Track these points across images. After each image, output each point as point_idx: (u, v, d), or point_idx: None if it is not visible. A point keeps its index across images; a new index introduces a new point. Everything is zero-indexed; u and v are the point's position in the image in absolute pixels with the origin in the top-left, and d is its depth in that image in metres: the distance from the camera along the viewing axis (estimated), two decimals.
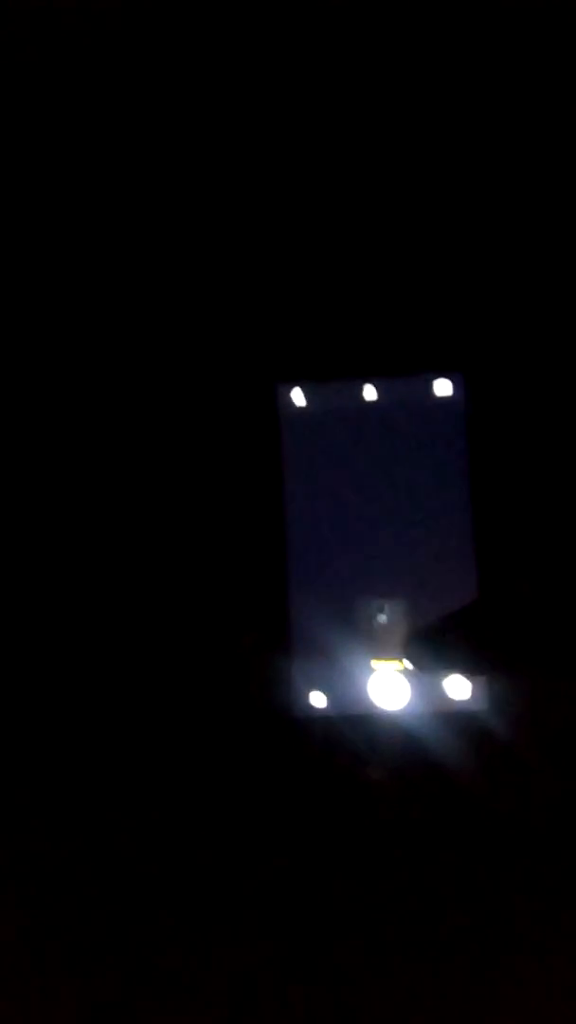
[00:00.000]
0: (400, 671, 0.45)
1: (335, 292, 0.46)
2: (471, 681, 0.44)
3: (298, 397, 0.47)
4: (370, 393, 0.47)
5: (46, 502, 0.47)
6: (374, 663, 0.45)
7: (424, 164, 0.43)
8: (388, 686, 0.45)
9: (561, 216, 0.45)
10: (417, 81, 0.41)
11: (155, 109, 0.43)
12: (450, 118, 0.43)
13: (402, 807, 0.43)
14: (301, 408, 0.47)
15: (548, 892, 0.39)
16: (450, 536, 0.46)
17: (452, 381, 0.47)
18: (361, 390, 0.47)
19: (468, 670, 0.43)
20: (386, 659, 0.45)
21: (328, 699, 0.45)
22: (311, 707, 0.45)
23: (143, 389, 0.47)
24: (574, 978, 0.37)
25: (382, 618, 0.46)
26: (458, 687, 0.44)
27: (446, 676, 0.44)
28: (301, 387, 0.47)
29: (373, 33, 0.39)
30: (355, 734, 0.45)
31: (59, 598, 0.46)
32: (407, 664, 0.45)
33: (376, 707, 0.45)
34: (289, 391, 0.47)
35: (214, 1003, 0.39)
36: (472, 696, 0.44)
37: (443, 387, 0.47)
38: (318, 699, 0.45)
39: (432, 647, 0.44)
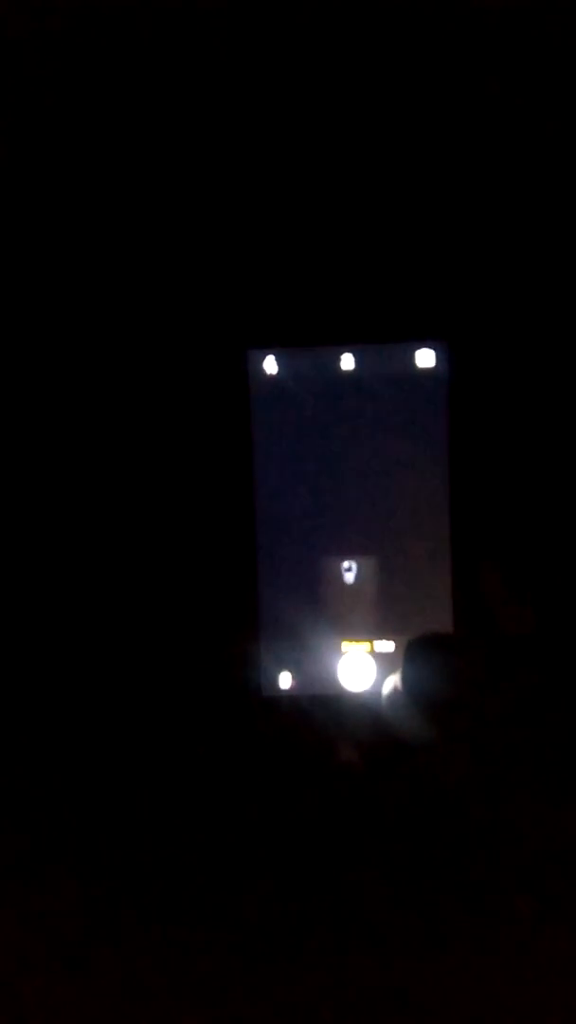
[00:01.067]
0: (368, 652, 0.45)
1: (311, 256, 0.42)
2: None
3: (270, 364, 0.44)
4: (347, 362, 0.44)
5: (13, 465, 0.44)
6: (344, 644, 0.45)
7: (406, 132, 0.39)
8: (356, 667, 0.45)
9: (546, 188, 0.40)
10: (395, 57, 0.36)
11: (127, 80, 0.37)
12: (430, 91, 0.38)
13: (370, 787, 0.43)
14: (273, 375, 0.44)
15: (517, 869, 0.40)
16: (426, 508, 0.44)
17: (435, 350, 0.43)
18: (337, 358, 0.44)
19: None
20: (355, 640, 0.45)
21: (296, 679, 0.45)
22: (279, 688, 0.45)
23: (110, 354, 0.43)
24: (550, 952, 0.39)
25: (349, 576, 0.45)
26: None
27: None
28: (274, 354, 0.44)
29: (354, 20, 0.34)
30: (323, 714, 0.44)
31: (22, 563, 0.44)
32: (376, 646, 0.45)
33: (344, 688, 0.45)
34: (261, 358, 0.44)
35: (173, 979, 0.40)
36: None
37: (425, 356, 0.44)
38: (286, 680, 0.45)
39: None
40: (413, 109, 0.38)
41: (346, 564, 0.45)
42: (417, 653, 0.42)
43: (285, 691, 0.45)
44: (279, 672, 0.45)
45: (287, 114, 0.39)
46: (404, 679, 0.43)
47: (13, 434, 0.44)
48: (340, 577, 0.45)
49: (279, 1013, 0.38)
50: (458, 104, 0.38)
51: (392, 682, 0.44)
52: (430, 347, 0.43)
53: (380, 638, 0.45)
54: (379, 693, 0.44)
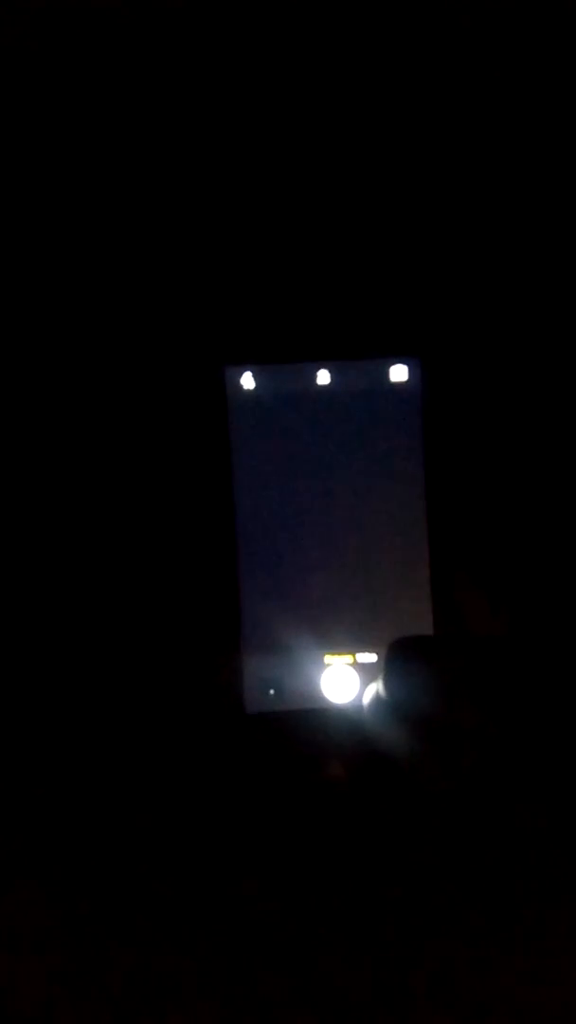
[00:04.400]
0: (351, 664, 0.45)
1: (288, 276, 0.43)
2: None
3: (247, 380, 0.44)
4: (323, 377, 0.44)
5: None
6: (326, 658, 0.45)
7: (384, 150, 0.40)
8: (340, 679, 0.45)
9: (520, 206, 0.42)
10: (379, 70, 0.38)
11: (109, 98, 0.37)
12: (413, 105, 0.39)
13: (357, 800, 0.43)
14: (250, 391, 0.44)
15: (510, 878, 0.40)
16: (403, 518, 0.45)
17: (408, 366, 0.45)
18: (313, 374, 0.44)
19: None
20: (338, 653, 0.45)
21: (280, 695, 0.45)
22: (264, 704, 0.45)
23: (89, 371, 0.43)
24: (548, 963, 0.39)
25: (330, 588, 0.45)
26: None
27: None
28: (250, 370, 0.44)
29: (347, 23, 0.35)
30: (309, 729, 0.44)
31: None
32: (358, 658, 0.45)
33: (328, 701, 0.45)
34: (239, 374, 0.44)
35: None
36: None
37: (399, 372, 0.45)
38: (270, 695, 0.45)
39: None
40: (395, 143, 0.39)
41: (326, 576, 0.45)
42: (398, 657, 0.43)
43: (270, 707, 0.45)
44: (263, 688, 0.45)
45: (267, 141, 0.40)
46: (385, 684, 0.43)
47: None
48: (321, 590, 0.45)
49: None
50: (439, 137, 0.39)
51: (373, 689, 0.44)
52: (403, 363, 0.45)
53: (362, 650, 0.45)
54: (362, 704, 0.44)
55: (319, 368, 0.44)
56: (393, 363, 0.44)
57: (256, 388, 0.44)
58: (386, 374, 0.45)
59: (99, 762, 0.43)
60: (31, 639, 0.44)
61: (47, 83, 0.37)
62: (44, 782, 0.42)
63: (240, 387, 0.44)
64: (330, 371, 0.44)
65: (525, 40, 0.35)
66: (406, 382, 0.45)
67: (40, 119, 0.38)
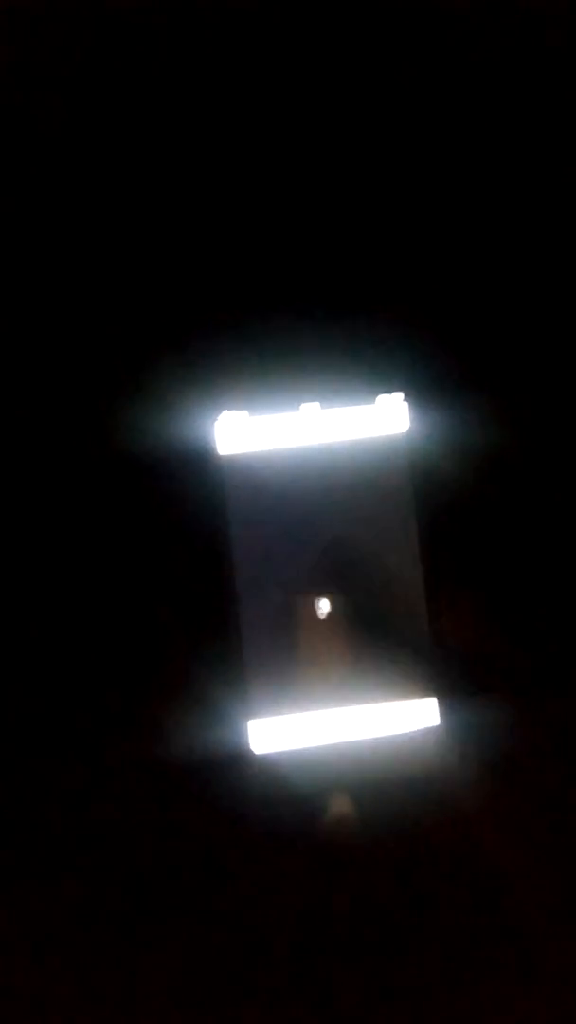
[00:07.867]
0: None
1: (277, 326, 0.46)
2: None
3: (240, 429, 0.46)
4: (313, 421, 0.47)
5: None
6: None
7: (371, 187, 0.44)
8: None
9: (507, 239, 0.46)
10: (363, 86, 0.41)
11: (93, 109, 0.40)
12: (398, 136, 0.43)
13: (364, 839, 0.42)
14: (243, 440, 0.46)
15: (522, 919, 0.40)
16: (397, 566, 0.46)
17: (397, 413, 0.47)
18: (305, 418, 0.47)
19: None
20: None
21: (283, 733, 0.44)
22: (266, 743, 0.44)
23: (81, 421, 0.44)
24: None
25: (324, 611, 0.46)
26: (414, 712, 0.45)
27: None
28: (242, 419, 0.46)
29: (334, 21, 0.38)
30: (314, 768, 0.44)
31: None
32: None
33: (333, 739, 0.45)
34: (233, 419, 0.46)
35: None
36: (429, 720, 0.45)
37: (388, 418, 0.47)
38: (273, 734, 0.44)
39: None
40: (383, 174, 0.43)
41: (327, 618, 0.46)
42: None
43: (272, 746, 0.44)
44: (263, 726, 0.44)
45: (253, 196, 0.43)
46: None
47: None
48: (323, 631, 0.46)
49: None
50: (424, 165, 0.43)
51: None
52: (391, 406, 0.47)
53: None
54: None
55: (310, 412, 0.47)
56: (381, 406, 0.47)
57: (249, 436, 0.46)
58: (375, 420, 0.47)
59: (88, 807, 0.42)
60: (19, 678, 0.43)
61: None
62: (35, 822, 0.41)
63: (235, 431, 0.46)
64: (320, 415, 0.47)
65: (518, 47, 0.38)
66: (394, 425, 0.47)
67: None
